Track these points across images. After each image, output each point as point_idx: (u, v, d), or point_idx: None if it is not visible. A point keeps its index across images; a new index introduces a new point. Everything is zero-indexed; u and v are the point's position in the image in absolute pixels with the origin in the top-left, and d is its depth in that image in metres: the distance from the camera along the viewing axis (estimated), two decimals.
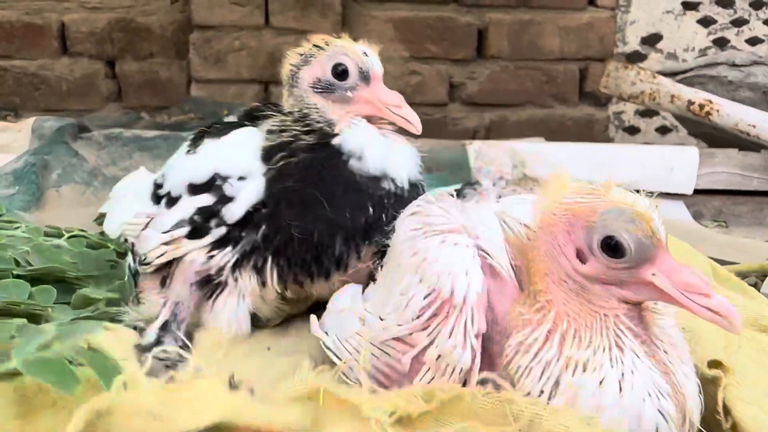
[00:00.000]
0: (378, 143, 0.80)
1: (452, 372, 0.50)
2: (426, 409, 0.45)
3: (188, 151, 0.84)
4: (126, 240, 0.84)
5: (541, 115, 2.67)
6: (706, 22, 2.68)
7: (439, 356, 0.50)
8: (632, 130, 2.77)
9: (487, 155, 1.45)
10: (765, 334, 0.65)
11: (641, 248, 0.49)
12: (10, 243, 0.82)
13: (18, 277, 0.70)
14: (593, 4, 2.61)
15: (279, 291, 0.75)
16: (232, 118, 0.93)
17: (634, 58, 2.69)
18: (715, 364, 0.55)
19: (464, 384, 0.50)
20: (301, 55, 0.84)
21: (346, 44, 0.83)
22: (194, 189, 0.77)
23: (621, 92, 1.86)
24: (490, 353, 0.51)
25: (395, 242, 0.58)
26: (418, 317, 0.52)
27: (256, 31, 2.37)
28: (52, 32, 2.38)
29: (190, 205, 0.76)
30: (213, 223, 0.75)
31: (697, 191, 1.52)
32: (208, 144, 0.82)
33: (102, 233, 0.95)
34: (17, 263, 0.73)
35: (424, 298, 0.52)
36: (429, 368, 0.51)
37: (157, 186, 0.82)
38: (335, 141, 0.79)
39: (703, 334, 0.62)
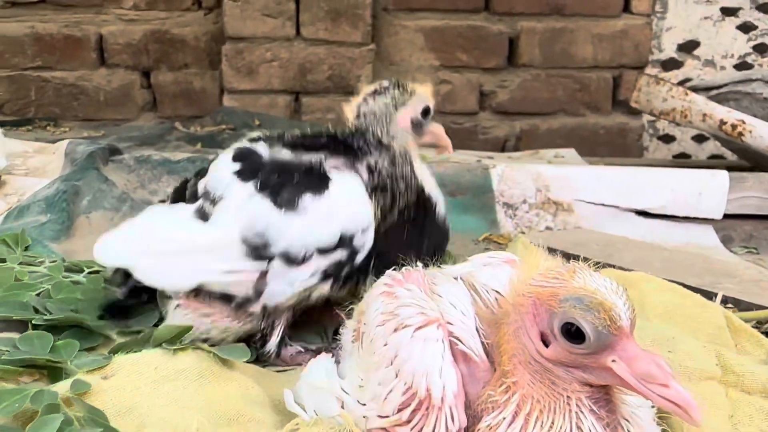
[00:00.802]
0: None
1: None
2: None
3: (282, 208, 0.83)
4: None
5: (572, 124, 2.64)
6: (746, 27, 2.61)
7: None
8: (667, 139, 2.72)
9: (510, 179, 1.44)
10: None
11: (599, 337, 0.50)
12: (32, 282, 0.85)
13: (37, 326, 0.74)
14: (628, 10, 2.56)
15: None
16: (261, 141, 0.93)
17: (670, 65, 2.64)
18: None
19: None
20: (388, 94, 0.94)
21: (425, 88, 0.99)
22: (325, 251, 0.82)
23: (652, 108, 1.83)
24: None
25: (368, 320, 0.59)
26: (399, 411, 0.54)
27: (287, 42, 2.40)
28: (90, 44, 2.44)
29: (322, 262, 0.82)
30: (345, 269, 0.83)
31: (727, 216, 1.49)
32: (318, 202, 0.83)
33: None
34: (36, 310, 0.77)
35: (403, 394, 0.53)
36: None
37: (255, 246, 0.82)
38: (426, 192, 0.93)
39: (707, 406, 0.61)
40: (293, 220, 0.81)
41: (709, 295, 1.03)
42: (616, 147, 2.66)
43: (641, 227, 1.45)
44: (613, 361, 0.49)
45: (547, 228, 1.44)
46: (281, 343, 0.84)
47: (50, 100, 2.46)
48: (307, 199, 0.82)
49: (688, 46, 2.63)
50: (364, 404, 0.56)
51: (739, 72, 2.10)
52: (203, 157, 1.46)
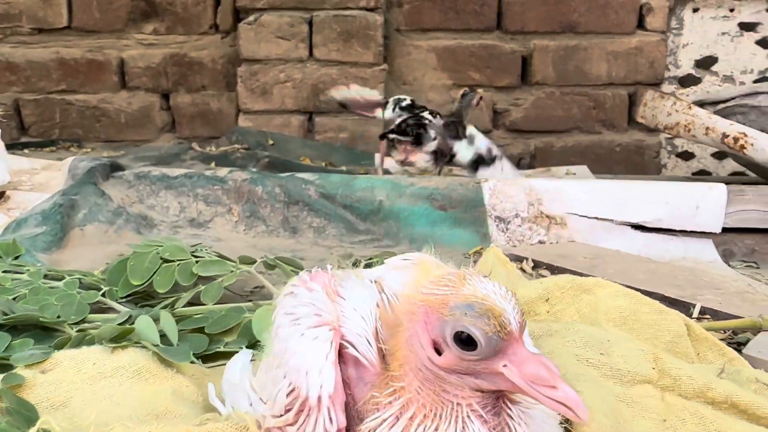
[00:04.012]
0: None
1: None
2: None
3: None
4: None
5: (588, 142, 2.62)
6: (765, 43, 2.57)
7: None
8: (686, 156, 2.68)
9: (502, 193, 1.44)
10: (711, 406, 0.62)
11: (490, 343, 0.49)
12: (12, 287, 0.89)
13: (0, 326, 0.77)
14: (642, 27, 2.55)
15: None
16: None
17: (688, 81, 2.61)
18: None
19: None
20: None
21: None
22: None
23: (657, 123, 1.81)
24: None
25: (273, 319, 0.60)
26: (286, 412, 0.54)
27: (300, 63, 2.45)
28: (112, 68, 2.53)
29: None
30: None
31: (728, 230, 1.45)
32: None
33: (103, 271, 1.01)
34: (4, 313, 0.80)
35: (287, 395, 0.54)
36: None
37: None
38: None
39: (637, 409, 0.60)
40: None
41: (688, 307, 1.01)
42: (633, 165, 2.63)
43: (637, 241, 1.43)
44: (504, 366, 0.49)
45: (540, 242, 1.43)
46: None
47: (74, 122, 2.55)
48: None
49: (706, 62, 2.59)
50: (265, 403, 0.57)
51: (746, 85, 2.06)
52: (200, 172, 1.49)
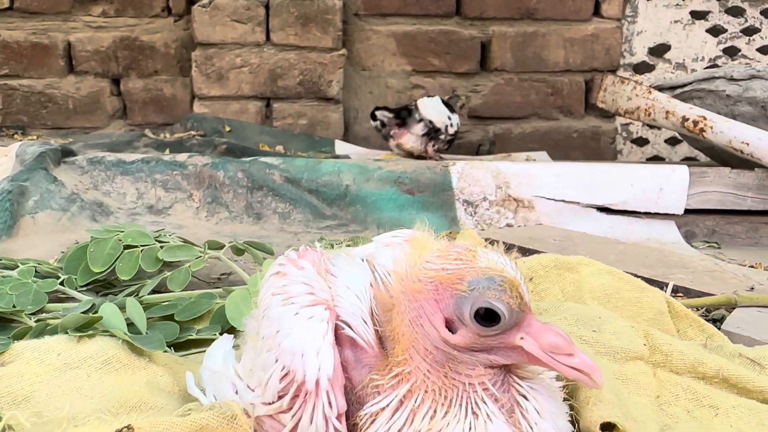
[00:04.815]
0: None
1: None
2: None
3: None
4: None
5: (546, 128, 2.64)
6: (715, 31, 2.62)
7: None
8: (641, 142, 2.72)
9: (470, 176, 1.43)
10: (702, 381, 0.62)
11: (512, 315, 0.47)
12: None
13: None
14: (598, 15, 2.57)
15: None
16: None
17: (642, 68, 2.65)
18: (609, 426, 0.52)
19: None
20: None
21: None
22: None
23: (617, 107, 1.82)
24: (350, 424, 0.50)
25: (260, 301, 0.56)
26: (279, 398, 0.50)
27: (257, 48, 2.39)
28: (58, 51, 2.42)
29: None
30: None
31: (690, 211, 1.48)
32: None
33: (59, 259, 0.96)
34: None
35: (281, 380, 0.50)
36: None
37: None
38: None
39: (632, 386, 0.59)
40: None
41: (661, 286, 1.02)
42: (589, 150, 2.66)
43: (603, 223, 1.44)
44: (522, 338, 0.47)
45: (508, 225, 1.43)
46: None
47: (18, 108, 2.44)
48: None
49: (659, 50, 2.63)
50: (253, 390, 0.53)
51: (703, 70, 2.10)
52: (158, 157, 1.44)
